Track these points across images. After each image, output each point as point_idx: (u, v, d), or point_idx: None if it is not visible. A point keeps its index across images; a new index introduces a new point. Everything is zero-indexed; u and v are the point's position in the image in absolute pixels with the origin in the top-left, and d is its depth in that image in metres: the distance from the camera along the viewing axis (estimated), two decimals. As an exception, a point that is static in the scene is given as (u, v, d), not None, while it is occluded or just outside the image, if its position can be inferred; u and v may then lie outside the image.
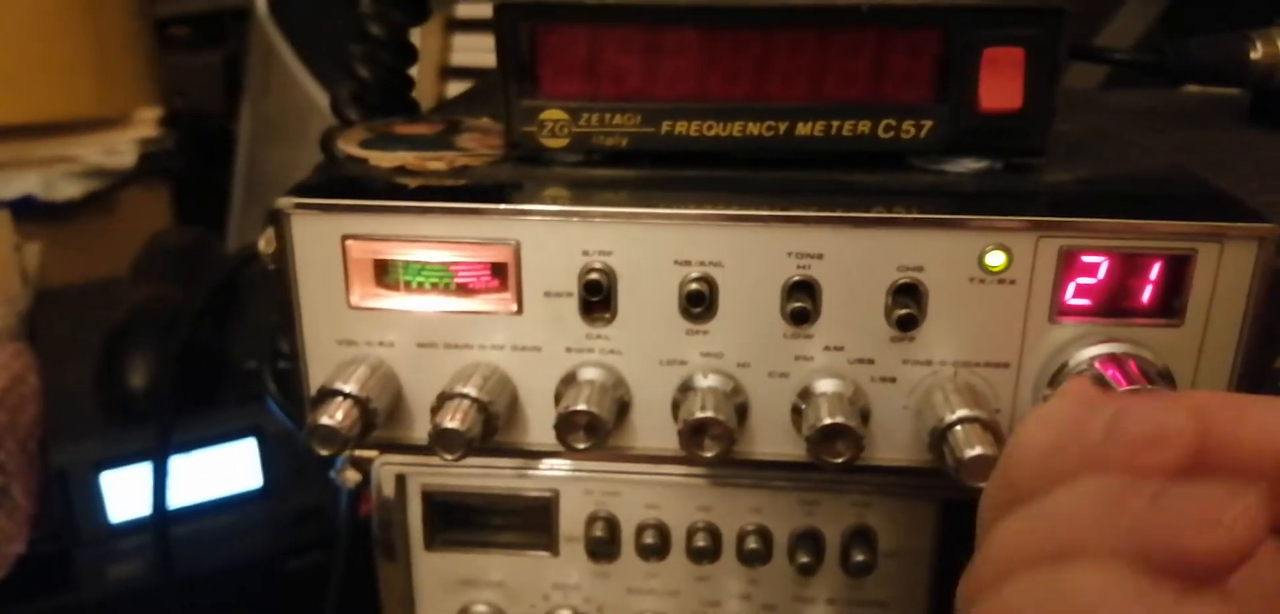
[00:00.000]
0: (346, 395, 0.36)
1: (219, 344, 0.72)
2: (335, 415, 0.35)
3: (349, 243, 0.36)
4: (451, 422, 0.35)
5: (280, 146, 1.22)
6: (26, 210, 1.03)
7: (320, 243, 0.37)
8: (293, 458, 0.70)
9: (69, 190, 1.09)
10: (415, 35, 0.48)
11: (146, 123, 1.14)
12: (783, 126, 0.38)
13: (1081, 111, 0.54)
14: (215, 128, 1.31)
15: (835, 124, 0.37)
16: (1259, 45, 0.48)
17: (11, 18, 1.01)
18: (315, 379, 0.38)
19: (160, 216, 1.18)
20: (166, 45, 1.28)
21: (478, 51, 1.13)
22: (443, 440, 0.35)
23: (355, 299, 0.37)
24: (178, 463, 0.66)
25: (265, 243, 0.40)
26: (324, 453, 0.36)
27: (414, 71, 0.49)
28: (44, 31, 1.05)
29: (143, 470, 0.66)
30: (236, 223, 1.27)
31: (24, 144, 1.06)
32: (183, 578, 0.63)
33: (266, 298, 0.74)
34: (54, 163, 1.08)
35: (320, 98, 1.15)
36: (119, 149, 1.11)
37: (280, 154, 1.22)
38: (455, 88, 1.11)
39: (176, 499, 0.67)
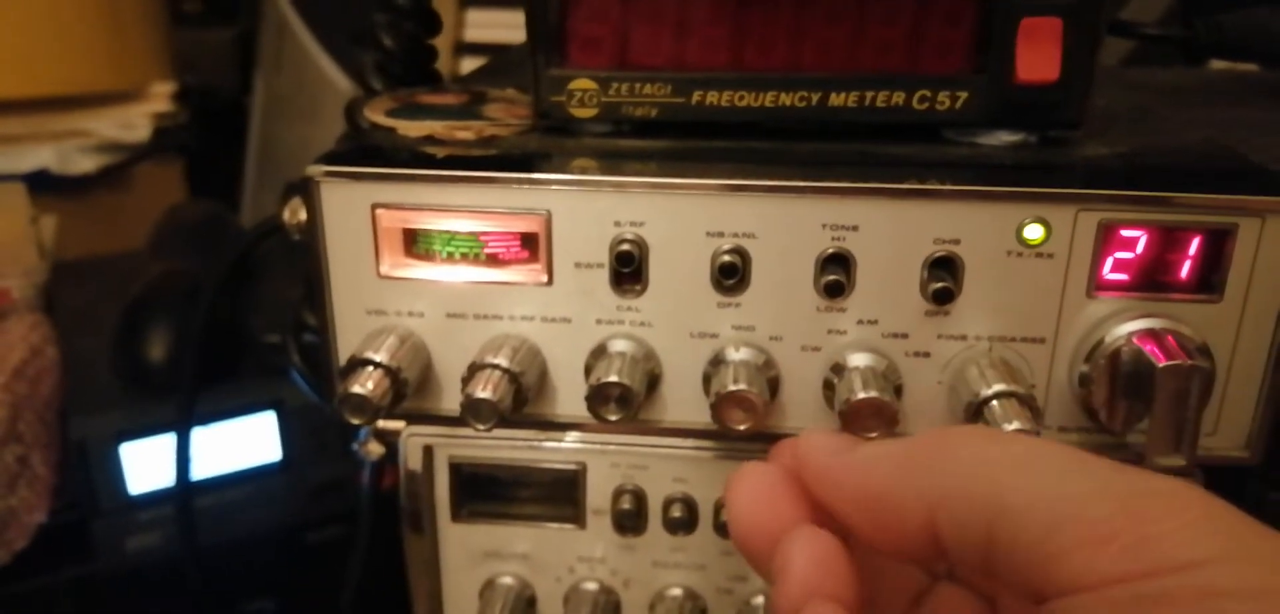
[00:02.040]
0: (377, 365, 0.36)
1: (237, 317, 0.72)
2: (366, 384, 0.35)
3: (379, 211, 0.36)
4: (483, 391, 0.35)
5: (293, 123, 1.22)
6: (41, 184, 1.03)
7: (350, 211, 0.36)
8: (312, 431, 0.70)
9: (83, 164, 1.08)
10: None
11: (160, 97, 1.13)
12: (815, 97, 0.37)
13: (1108, 88, 0.53)
14: (228, 103, 1.30)
15: (869, 95, 0.37)
16: (1294, 20, 0.48)
17: (27, -10, 1.01)
18: (344, 349, 0.38)
19: (174, 191, 1.18)
20: (179, 21, 1.27)
21: (491, 27, 1.13)
22: (475, 410, 0.35)
23: (385, 269, 0.37)
24: (197, 435, 0.66)
25: (290, 213, 0.40)
26: (355, 422, 0.36)
27: (437, 42, 0.49)
28: (58, 6, 1.04)
29: (162, 442, 0.66)
30: (250, 199, 1.27)
31: (38, 118, 1.06)
32: (202, 550, 0.64)
33: (285, 271, 0.74)
34: (68, 136, 1.08)
35: (334, 74, 1.15)
36: (133, 123, 1.11)
37: (293, 130, 1.22)
38: (469, 64, 1.11)
39: (196, 471, 0.67)
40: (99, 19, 1.07)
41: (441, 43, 1.11)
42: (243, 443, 0.69)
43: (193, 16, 1.39)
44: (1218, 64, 0.70)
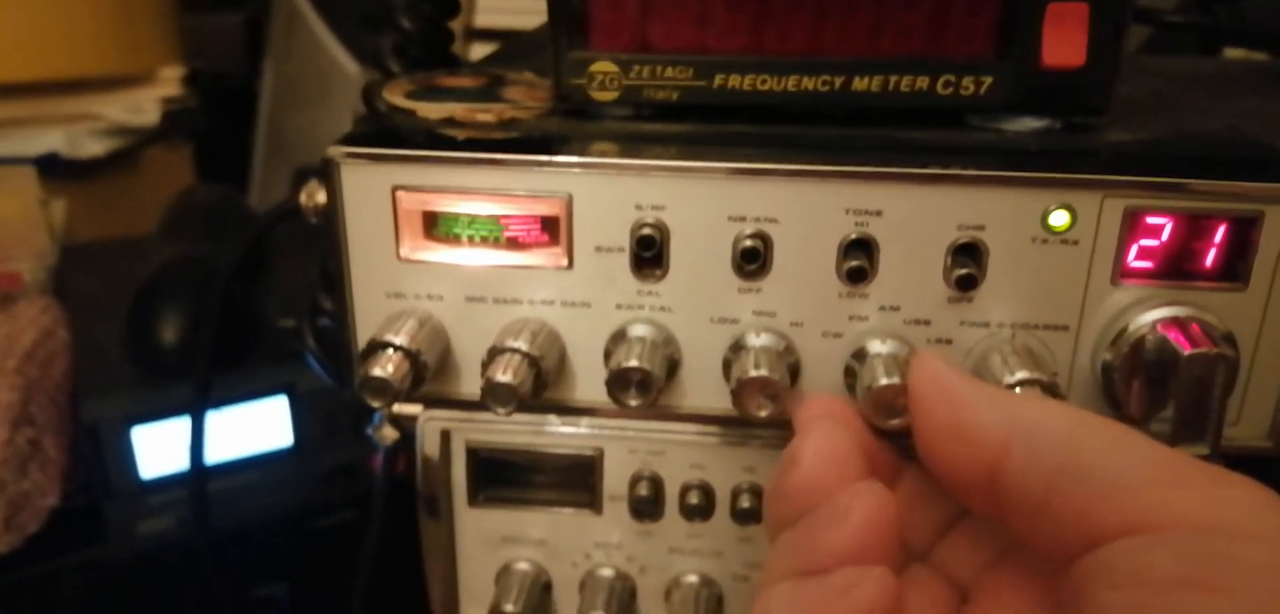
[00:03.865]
0: (397, 348, 0.36)
1: (249, 302, 0.72)
2: (386, 367, 0.35)
3: (399, 194, 0.36)
4: (503, 375, 0.35)
5: (302, 108, 1.22)
6: (51, 168, 1.03)
7: (370, 193, 0.36)
8: (324, 416, 0.70)
9: (93, 148, 1.08)
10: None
11: (169, 81, 1.13)
12: (838, 81, 0.37)
13: (1126, 75, 0.52)
14: (237, 88, 1.30)
15: (893, 79, 0.37)
16: (1318, 8, 0.47)
17: (36, -28, 1.01)
18: (363, 333, 0.38)
19: (183, 176, 1.18)
20: (189, 5, 1.27)
21: (501, 12, 1.12)
22: (495, 394, 0.35)
23: (404, 252, 0.37)
24: (210, 420, 0.66)
25: (307, 197, 0.39)
26: (375, 404, 0.36)
27: (455, 25, 0.48)
28: (67, -12, 1.04)
29: (174, 426, 0.66)
30: (258, 184, 1.27)
31: (48, 101, 1.06)
32: (212, 534, 0.64)
33: (296, 256, 0.73)
34: (78, 120, 1.08)
35: (344, 59, 1.14)
36: (142, 107, 1.11)
37: (302, 116, 1.21)
38: (479, 49, 1.10)
39: (208, 455, 0.67)
40: (108, 3, 1.07)
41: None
42: (254, 427, 0.69)
43: (202, 1, 1.38)
44: (1231, 53, 0.69)
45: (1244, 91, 0.55)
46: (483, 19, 1.12)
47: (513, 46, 0.67)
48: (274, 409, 0.69)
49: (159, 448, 0.67)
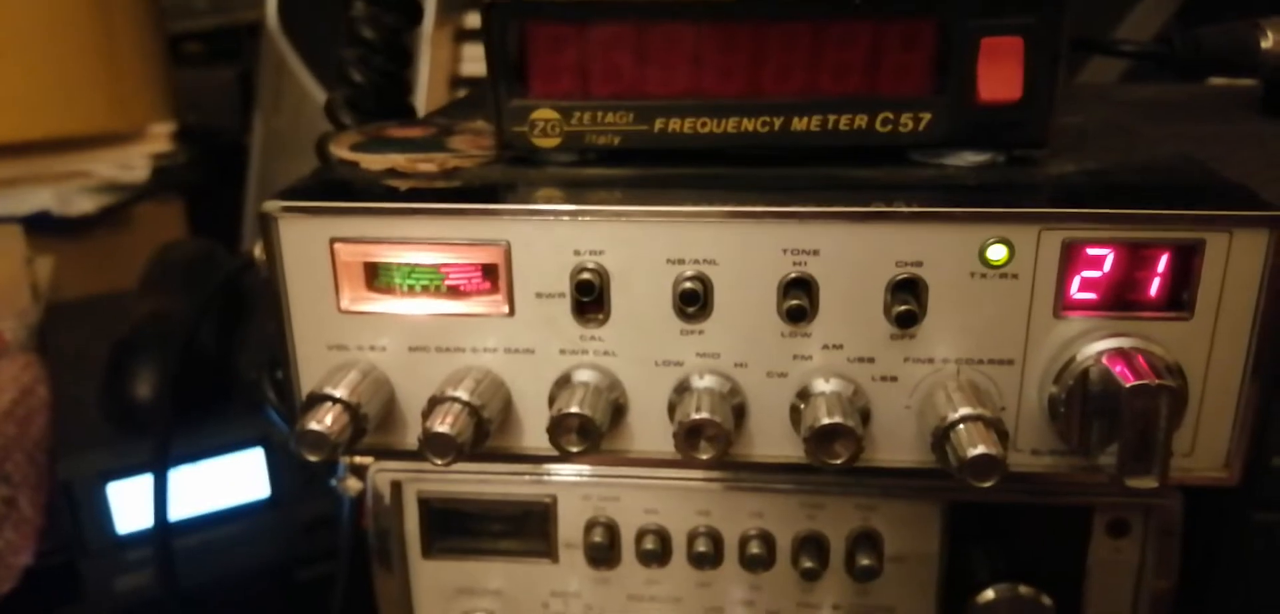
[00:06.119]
0: (336, 400, 0.35)
1: (227, 354, 0.72)
2: (324, 421, 0.35)
3: (337, 246, 0.36)
4: (442, 426, 0.34)
5: (292, 160, 1.23)
6: (42, 225, 1.04)
7: (308, 246, 0.36)
8: (300, 467, 0.70)
9: (84, 205, 1.09)
10: (424, 44, 0.48)
11: (160, 137, 1.14)
12: (778, 122, 0.37)
13: (1093, 105, 0.52)
14: (228, 142, 1.31)
15: (831, 118, 0.37)
16: (1270, 34, 0.47)
17: (25, 34, 1.02)
18: (306, 385, 0.38)
19: (174, 230, 1.19)
20: (181, 61, 1.29)
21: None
22: (433, 445, 0.34)
23: (345, 303, 0.37)
24: (185, 473, 0.66)
25: (259, 249, 0.39)
26: (313, 459, 0.35)
27: (415, 75, 0.49)
28: (57, 47, 1.05)
29: (150, 481, 0.66)
30: (250, 237, 1.28)
31: (39, 160, 1.07)
32: (191, 588, 0.63)
33: (267, 306, 0.73)
34: (68, 178, 1.09)
35: (331, 110, 1.15)
36: (132, 164, 1.12)
37: (292, 167, 1.22)
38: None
39: (184, 509, 0.67)
40: (97, 61, 1.08)
41: (438, 77, 1.12)
42: (230, 480, 0.69)
43: (195, 57, 1.40)
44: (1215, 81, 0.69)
45: (1209, 118, 0.55)
46: (468, 68, 1.13)
47: (478, 93, 0.67)
48: (250, 461, 0.69)
49: (135, 503, 0.67)
